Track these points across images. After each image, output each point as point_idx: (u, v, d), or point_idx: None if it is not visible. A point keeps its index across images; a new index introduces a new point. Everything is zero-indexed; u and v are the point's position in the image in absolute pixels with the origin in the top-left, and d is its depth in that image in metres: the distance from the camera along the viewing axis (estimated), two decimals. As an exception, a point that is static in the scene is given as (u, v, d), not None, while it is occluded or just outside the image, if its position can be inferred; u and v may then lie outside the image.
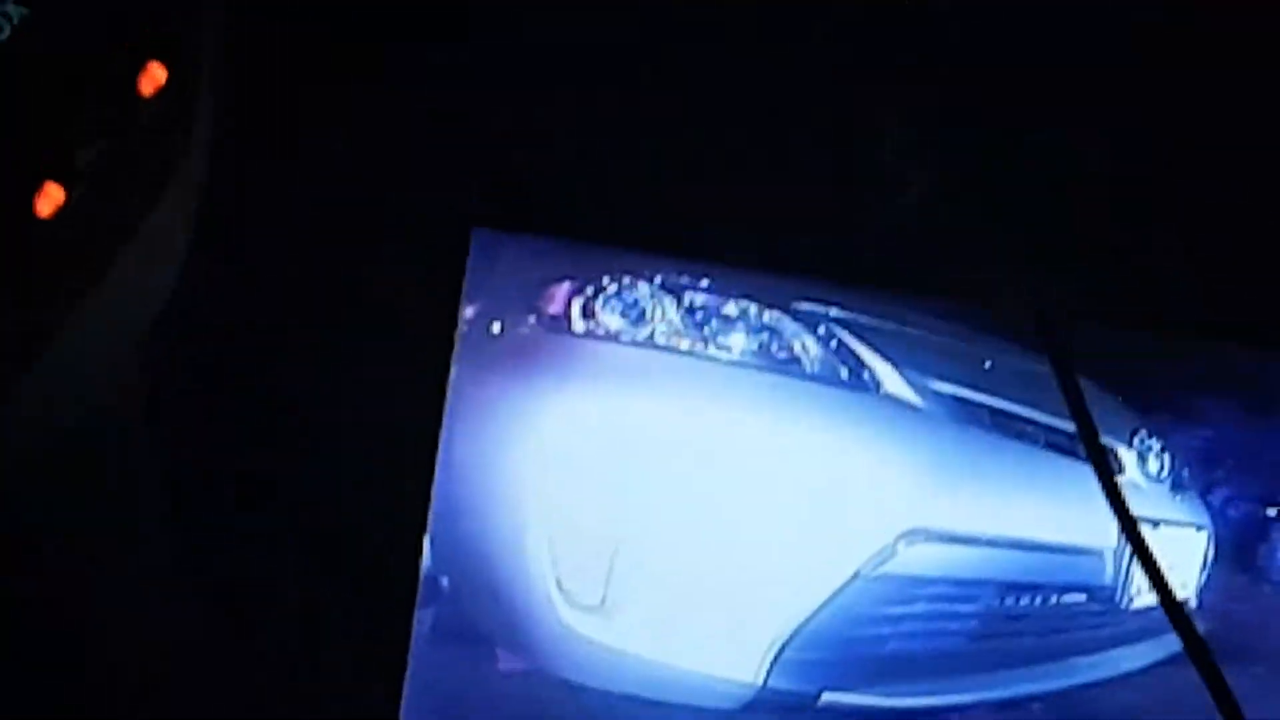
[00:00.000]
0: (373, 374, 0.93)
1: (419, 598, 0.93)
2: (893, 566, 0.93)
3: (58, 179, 0.68)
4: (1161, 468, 1.01)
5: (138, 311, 0.82)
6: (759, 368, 0.95)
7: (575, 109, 0.94)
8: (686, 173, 0.94)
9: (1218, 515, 0.99)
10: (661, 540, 0.93)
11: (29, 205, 0.67)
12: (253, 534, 0.92)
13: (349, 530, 0.93)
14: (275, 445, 0.93)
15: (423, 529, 0.92)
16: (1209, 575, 0.99)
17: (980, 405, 0.98)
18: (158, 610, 0.90)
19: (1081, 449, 0.91)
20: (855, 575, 0.93)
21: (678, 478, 0.93)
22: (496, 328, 0.94)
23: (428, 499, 0.93)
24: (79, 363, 0.78)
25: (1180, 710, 0.95)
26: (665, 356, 0.94)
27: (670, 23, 0.94)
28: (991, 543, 0.96)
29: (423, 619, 0.93)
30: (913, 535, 0.93)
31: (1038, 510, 0.98)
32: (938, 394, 0.97)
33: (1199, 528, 1.00)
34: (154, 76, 0.74)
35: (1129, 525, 0.88)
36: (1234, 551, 0.99)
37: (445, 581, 0.94)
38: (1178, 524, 0.99)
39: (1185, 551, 0.99)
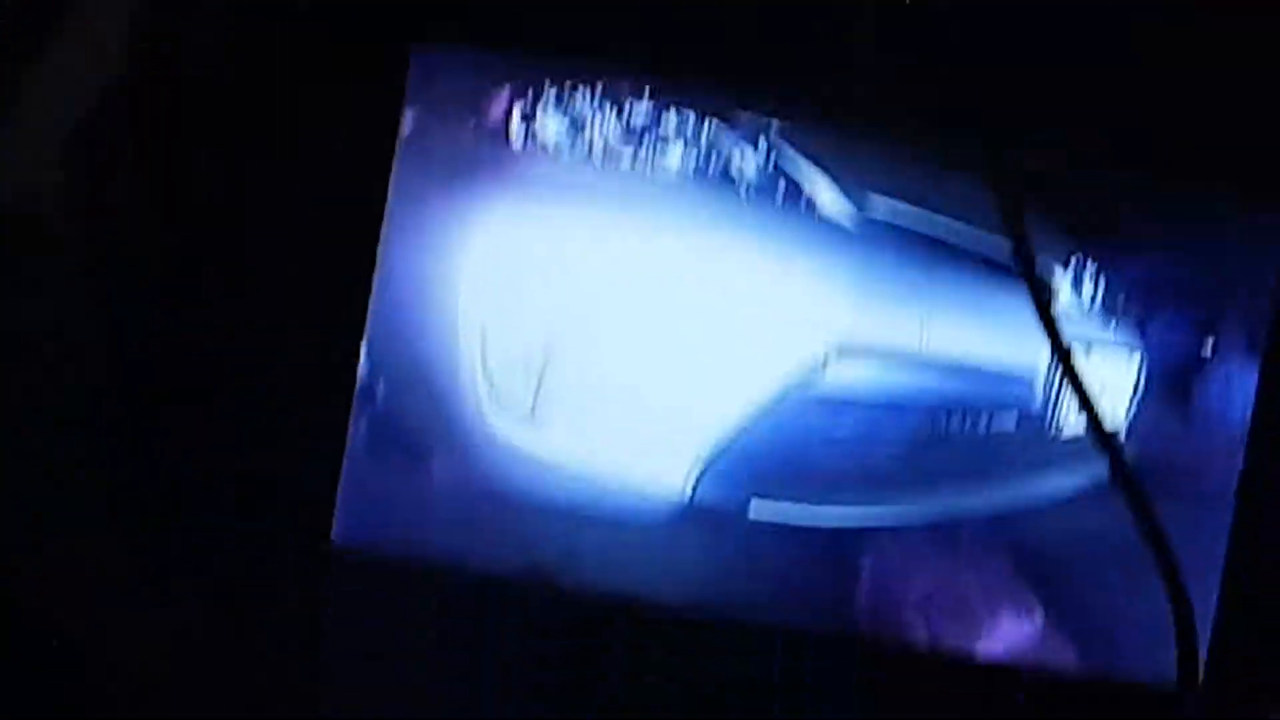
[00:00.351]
0: (313, 182, 0.93)
1: (354, 404, 0.94)
2: (822, 383, 0.94)
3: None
4: (1096, 293, 1.01)
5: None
6: (695, 181, 0.94)
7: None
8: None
9: (1153, 346, 0.99)
10: (591, 351, 0.93)
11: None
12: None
13: (285, 336, 0.94)
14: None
15: (359, 335, 0.93)
16: (1141, 406, 0.99)
17: (916, 223, 0.97)
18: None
19: (1016, 270, 0.91)
20: (784, 391, 0.93)
21: (610, 290, 0.93)
22: (435, 137, 0.94)
23: (365, 305, 0.93)
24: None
25: (1108, 539, 0.96)
26: (602, 168, 0.94)
27: None
28: (923, 362, 0.96)
29: (358, 426, 0.94)
30: (843, 352, 0.94)
31: (970, 331, 0.98)
32: (874, 209, 0.96)
33: (1131, 352, 0.99)
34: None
35: (1060, 349, 0.88)
36: (1168, 384, 0.98)
37: (381, 388, 0.95)
38: (1109, 349, 0.99)
39: (1116, 378, 0.98)
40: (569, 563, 0.94)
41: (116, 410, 0.93)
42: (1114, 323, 0.99)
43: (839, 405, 0.95)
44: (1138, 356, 0.99)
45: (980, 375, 0.98)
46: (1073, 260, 0.99)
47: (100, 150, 0.92)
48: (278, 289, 0.94)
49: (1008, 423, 1.00)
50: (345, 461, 0.94)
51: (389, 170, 0.94)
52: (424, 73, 0.94)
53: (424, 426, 0.95)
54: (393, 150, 0.94)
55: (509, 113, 0.95)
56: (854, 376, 0.94)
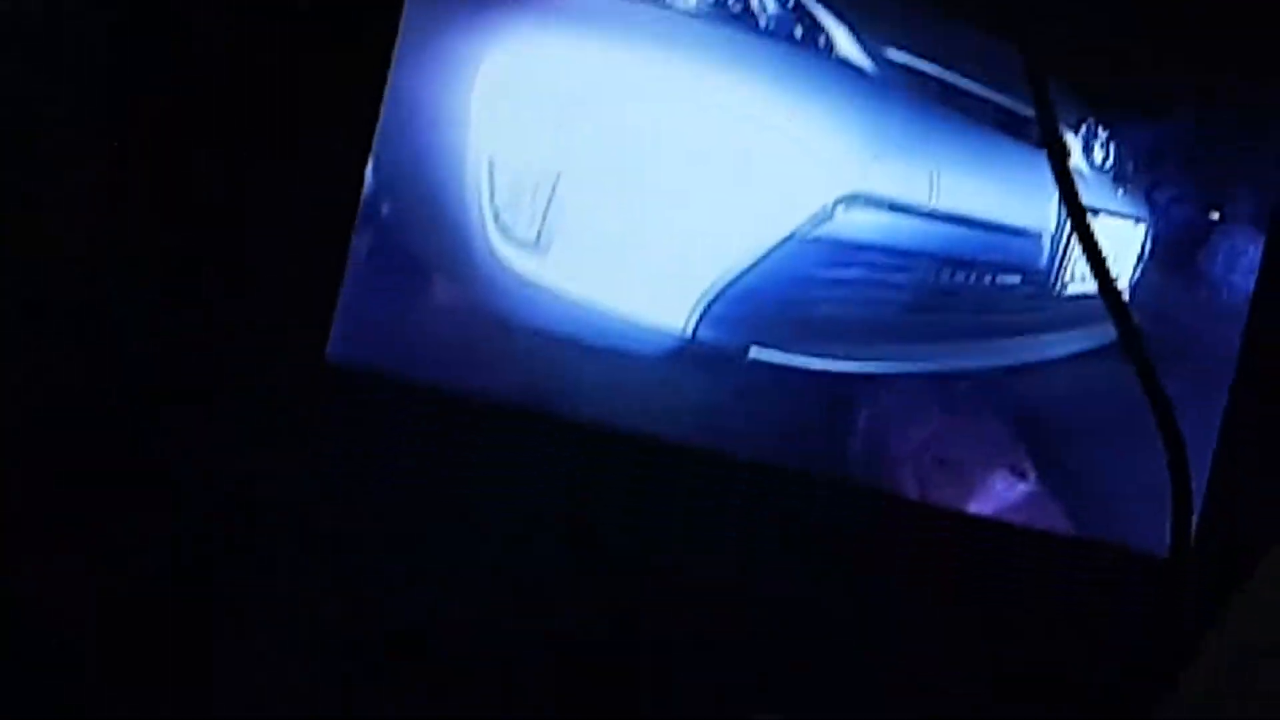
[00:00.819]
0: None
1: (357, 221, 0.93)
2: (829, 229, 0.93)
3: None
4: (1106, 157, 1.01)
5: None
6: (713, 19, 0.93)
7: None
8: None
9: (1160, 213, 0.99)
10: (601, 182, 0.93)
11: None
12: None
13: (291, 150, 0.93)
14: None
15: (366, 152, 0.93)
16: (1144, 271, 0.99)
17: (932, 77, 0.97)
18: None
19: (1029, 131, 0.91)
20: (791, 235, 0.93)
21: (623, 122, 0.92)
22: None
23: (374, 121, 0.93)
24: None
25: (1103, 401, 0.96)
26: (620, 1, 0.94)
27: None
28: (930, 215, 0.96)
29: (360, 244, 0.94)
30: (852, 200, 0.93)
31: (979, 187, 0.98)
32: (890, 62, 0.96)
33: (1137, 220, 1.00)
34: None
35: (1076, 210, 0.87)
36: (1173, 252, 0.99)
37: (385, 207, 0.94)
38: (1116, 215, 0.99)
39: (1121, 243, 0.98)
40: (566, 392, 0.94)
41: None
42: (1121, 189, 1.00)
43: (845, 252, 0.94)
44: (1144, 221, 0.99)
45: (987, 231, 0.98)
46: (1083, 125, 0.99)
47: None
48: (290, 103, 0.93)
49: (1012, 281, 1.00)
50: (345, 278, 0.93)
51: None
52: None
53: (427, 248, 0.95)
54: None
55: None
56: (862, 225, 0.94)
